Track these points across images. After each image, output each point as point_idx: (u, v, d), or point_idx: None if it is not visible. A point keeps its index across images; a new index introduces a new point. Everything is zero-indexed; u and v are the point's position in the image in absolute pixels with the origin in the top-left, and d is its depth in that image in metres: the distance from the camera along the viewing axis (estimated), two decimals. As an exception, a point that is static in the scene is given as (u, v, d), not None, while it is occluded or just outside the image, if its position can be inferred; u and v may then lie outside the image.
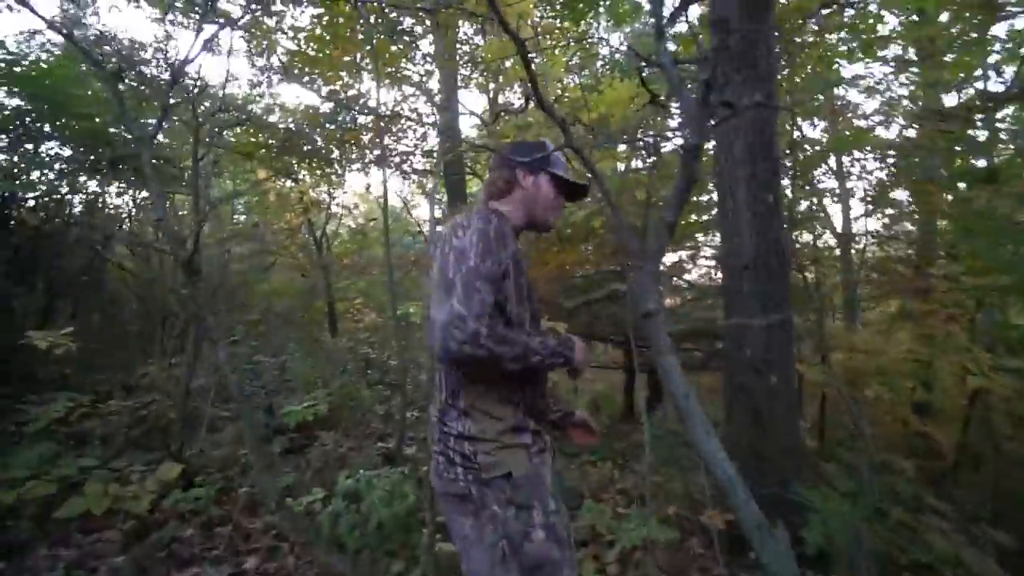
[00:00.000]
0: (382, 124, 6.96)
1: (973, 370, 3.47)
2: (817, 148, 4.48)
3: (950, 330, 4.25)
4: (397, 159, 8.01)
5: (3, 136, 4.34)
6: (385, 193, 3.62)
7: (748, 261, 2.48)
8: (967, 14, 3.34)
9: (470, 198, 7.30)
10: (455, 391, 1.16)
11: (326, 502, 2.48)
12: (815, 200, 4.73)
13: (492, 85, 8.63)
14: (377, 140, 6.96)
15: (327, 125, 5.78)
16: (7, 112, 4.29)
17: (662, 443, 3.44)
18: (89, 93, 4.40)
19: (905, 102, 4.36)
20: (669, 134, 3.85)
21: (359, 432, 4.28)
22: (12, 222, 4.33)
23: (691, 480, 2.88)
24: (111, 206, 6.35)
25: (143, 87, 4.12)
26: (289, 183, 7.78)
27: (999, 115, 3.49)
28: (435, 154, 7.66)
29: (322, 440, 3.20)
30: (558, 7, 5.72)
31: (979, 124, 3.39)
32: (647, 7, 4.54)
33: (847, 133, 4.59)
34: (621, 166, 5.02)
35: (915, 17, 4.07)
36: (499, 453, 1.11)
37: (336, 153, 6.10)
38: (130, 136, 3.65)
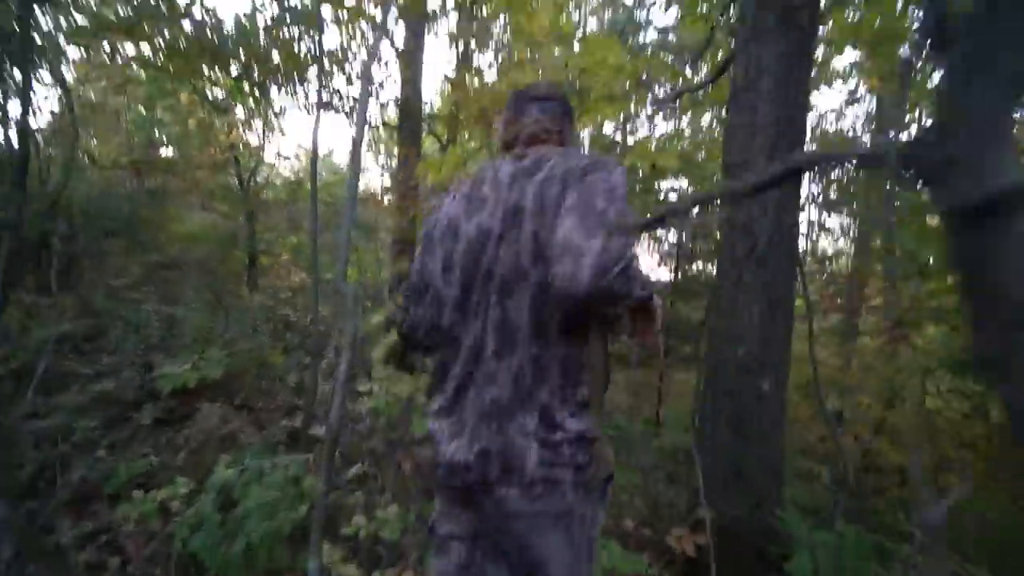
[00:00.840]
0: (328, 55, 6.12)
1: (929, 391, 3.35)
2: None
3: (898, 348, 4.20)
4: (342, 102, 7.16)
5: None
6: (315, 137, 2.93)
7: (758, 244, 2.09)
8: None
9: (424, 155, 6.59)
10: (576, 377, 0.90)
11: (192, 498, 1.86)
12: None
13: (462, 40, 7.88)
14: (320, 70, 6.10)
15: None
16: None
17: (618, 440, 3.07)
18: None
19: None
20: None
21: (263, 404, 3.60)
22: None
23: (652, 487, 2.51)
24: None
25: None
26: (212, 113, 6.70)
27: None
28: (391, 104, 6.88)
29: (204, 412, 2.53)
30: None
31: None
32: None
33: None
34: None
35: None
36: (603, 450, 0.94)
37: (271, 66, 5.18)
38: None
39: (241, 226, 6.96)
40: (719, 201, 1.02)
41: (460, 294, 0.96)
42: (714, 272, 2.57)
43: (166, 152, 8.43)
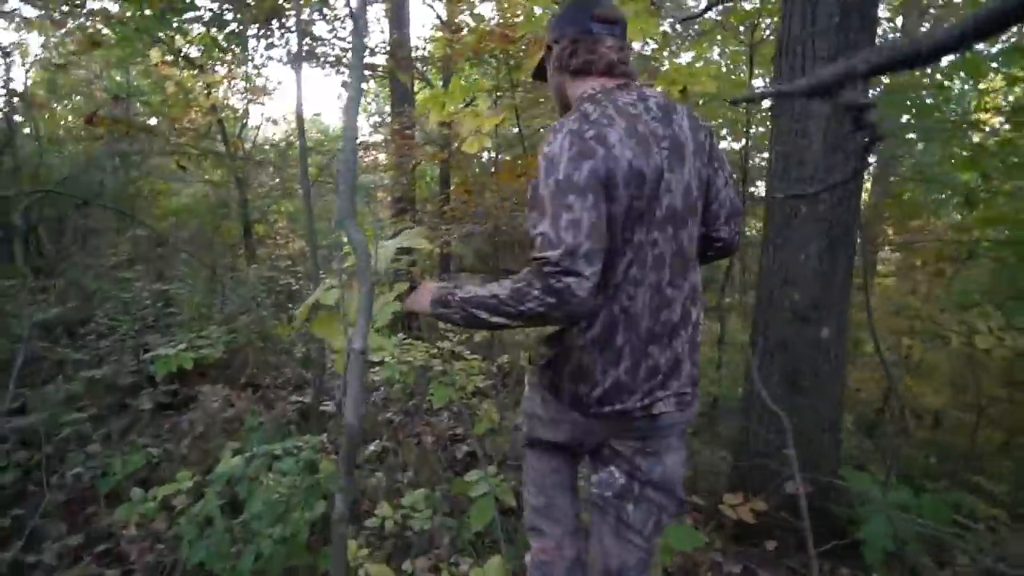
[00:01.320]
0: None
1: (980, 329, 3.12)
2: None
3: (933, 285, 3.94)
4: (326, 52, 6.64)
5: None
6: (300, 91, 2.58)
7: (815, 173, 1.80)
8: None
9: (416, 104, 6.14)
10: (697, 304, 1.05)
11: (198, 492, 1.68)
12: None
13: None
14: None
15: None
16: None
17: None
18: None
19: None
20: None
21: (270, 381, 3.42)
22: None
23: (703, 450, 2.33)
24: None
25: None
26: (190, 72, 6.23)
27: None
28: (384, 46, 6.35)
29: (206, 395, 2.34)
30: None
31: None
32: None
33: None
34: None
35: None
36: None
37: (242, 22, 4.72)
38: None
39: (232, 194, 6.63)
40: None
41: (644, 237, 0.94)
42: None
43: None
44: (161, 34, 6.00)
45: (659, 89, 1.10)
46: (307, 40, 6.47)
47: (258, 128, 7.85)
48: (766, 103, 2.67)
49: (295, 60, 2.13)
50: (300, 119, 2.19)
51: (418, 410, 3.22)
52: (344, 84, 6.33)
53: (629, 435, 1.02)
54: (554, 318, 0.87)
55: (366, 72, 7.49)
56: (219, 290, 3.84)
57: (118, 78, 8.14)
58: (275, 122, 9.50)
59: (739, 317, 4.94)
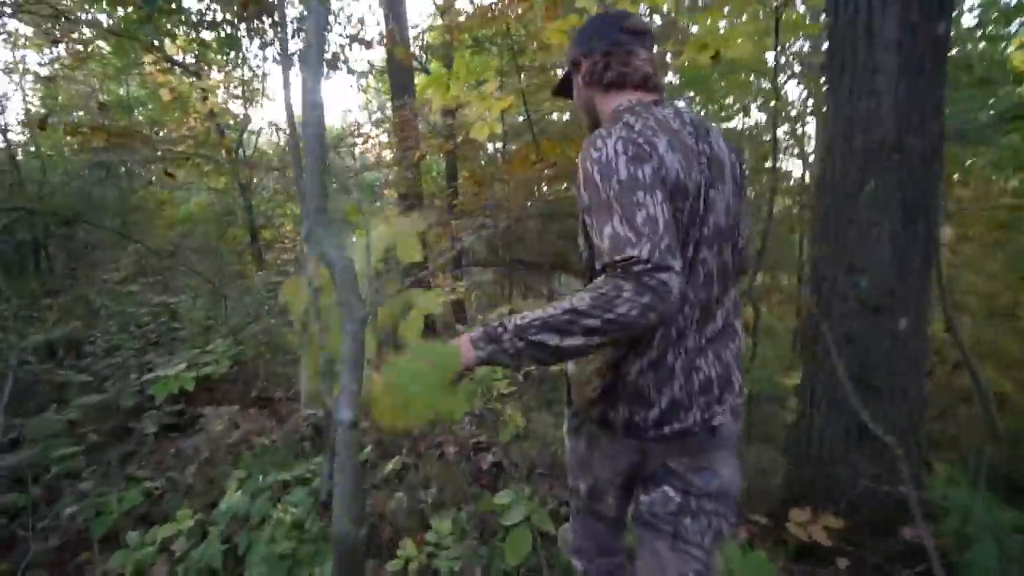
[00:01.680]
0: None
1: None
2: None
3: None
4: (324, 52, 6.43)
5: None
6: (287, 87, 2.38)
7: (884, 140, 1.54)
8: None
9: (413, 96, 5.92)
10: (740, 316, 1.05)
11: (200, 531, 1.51)
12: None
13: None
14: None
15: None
16: None
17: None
18: None
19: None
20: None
21: (282, 393, 3.26)
22: None
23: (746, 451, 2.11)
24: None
25: None
26: (188, 79, 6.07)
27: None
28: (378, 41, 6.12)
29: (209, 417, 2.17)
30: None
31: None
32: None
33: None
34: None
35: None
36: None
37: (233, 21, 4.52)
38: None
39: (237, 201, 6.49)
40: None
41: (694, 255, 0.92)
42: (805, 177, 2.02)
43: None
44: (155, 40, 5.86)
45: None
46: (301, 36, 6.27)
47: (256, 133, 7.68)
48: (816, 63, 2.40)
49: (282, 53, 1.92)
50: (290, 115, 1.98)
51: (438, 418, 3.04)
52: (304, 61, 6.11)
53: (685, 453, 0.98)
54: (647, 321, 0.77)
55: (364, 67, 7.28)
56: (223, 300, 3.68)
57: (120, 91, 8.05)
58: (277, 126, 9.39)
59: (774, 302, 4.67)
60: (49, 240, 5.31)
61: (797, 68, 3.75)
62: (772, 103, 2.73)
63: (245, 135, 6.89)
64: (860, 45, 1.55)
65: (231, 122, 6.79)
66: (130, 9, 3.74)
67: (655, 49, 1.08)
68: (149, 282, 4.67)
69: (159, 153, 5.98)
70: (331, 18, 6.15)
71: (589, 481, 1.08)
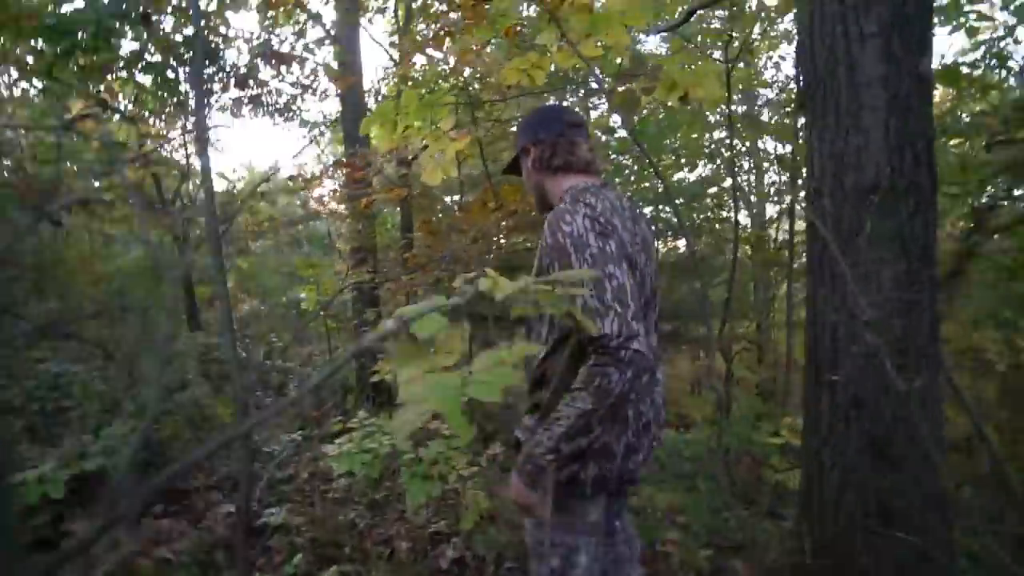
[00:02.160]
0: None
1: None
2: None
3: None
4: (275, 99, 6.23)
5: None
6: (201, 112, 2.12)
7: (878, 179, 1.41)
8: None
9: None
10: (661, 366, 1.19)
11: None
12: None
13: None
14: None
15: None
16: None
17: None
18: None
19: None
20: None
21: (202, 481, 2.75)
22: None
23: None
24: None
25: None
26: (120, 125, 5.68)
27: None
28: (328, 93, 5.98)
29: (82, 531, 1.70)
30: None
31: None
32: None
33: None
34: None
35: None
36: None
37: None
38: None
39: (172, 255, 5.96)
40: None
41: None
42: (783, 225, 1.88)
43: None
44: (89, 84, 5.49)
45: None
46: (251, 85, 6.06)
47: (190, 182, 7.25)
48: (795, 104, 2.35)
49: (193, 76, 1.65)
50: (203, 142, 1.68)
51: (388, 503, 2.61)
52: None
53: (621, 494, 1.15)
54: (639, 384, 0.91)
55: (317, 118, 7.10)
56: (130, 371, 3.17)
57: (49, 139, 7.50)
58: (224, 176, 8.98)
59: (736, 351, 4.56)
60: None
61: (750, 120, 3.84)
62: (728, 153, 2.67)
63: (181, 184, 6.45)
64: (842, 81, 1.44)
65: (174, 172, 6.36)
66: (42, 46, 3.40)
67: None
68: (58, 347, 4.06)
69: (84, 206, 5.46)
70: (282, 68, 5.99)
71: (560, 552, 1.09)
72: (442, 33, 2.58)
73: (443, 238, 4.98)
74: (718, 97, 1.86)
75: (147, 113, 6.07)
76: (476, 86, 5.15)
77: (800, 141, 2.96)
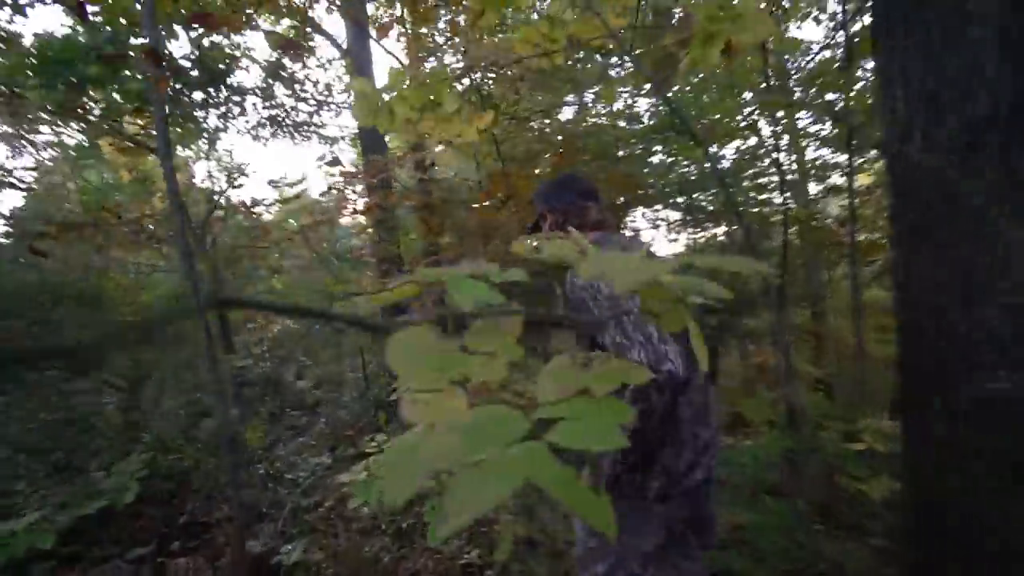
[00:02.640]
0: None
1: None
2: None
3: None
4: (290, 119, 6.22)
5: None
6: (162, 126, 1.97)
7: (995, 108, 1.08)
8: None
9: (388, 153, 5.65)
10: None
11: None
12: None
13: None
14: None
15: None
16: None
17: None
18: None
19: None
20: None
21: (219, 514, 2.60)
22: None
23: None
24: None
25: None
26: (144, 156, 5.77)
27: None
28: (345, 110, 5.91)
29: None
30: None
31: None
32: None
33: None
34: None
35: None
36: None
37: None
38: None
39: (201, 279, 6.00)
40: None
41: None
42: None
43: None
44: (114, 119, 5.62)
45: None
46: (269, 106, 6.08)
47: (223, 209, 7.35)
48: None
49: (154, 83, 1.49)
50: (169, 166, 1.51)
51: (416, 531, 2.39)
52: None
53: (689, 505, 1.20)
54: (664, 402, 0.98)
55: (335, 132, 7.07)
56: (155, 399, 3.09)
57: (92, 177, 7.79)
58: (253, 203, 9.12)
59: (799, 341, 4.13)
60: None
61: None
62: (779, 114, 2.32)
63: (211, 211, 6.52)
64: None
65: (203, 200, 6.45)
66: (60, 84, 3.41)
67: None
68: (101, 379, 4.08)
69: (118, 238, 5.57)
70: (295, 87, 5.98)
71: (609, 560, 1.15)
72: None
73: (467, 240, 4.79)
74: (771, 33, 1.55)
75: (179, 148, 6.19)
76: (490, 81, 4.95)
77: (850, 97, 2.57)
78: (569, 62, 4.42)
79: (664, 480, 1.11)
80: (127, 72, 3.89)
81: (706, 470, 1.16)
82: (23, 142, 6.50)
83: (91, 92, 3.49)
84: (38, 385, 2.81)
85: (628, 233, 1.45)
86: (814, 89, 2.88)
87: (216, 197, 6.79)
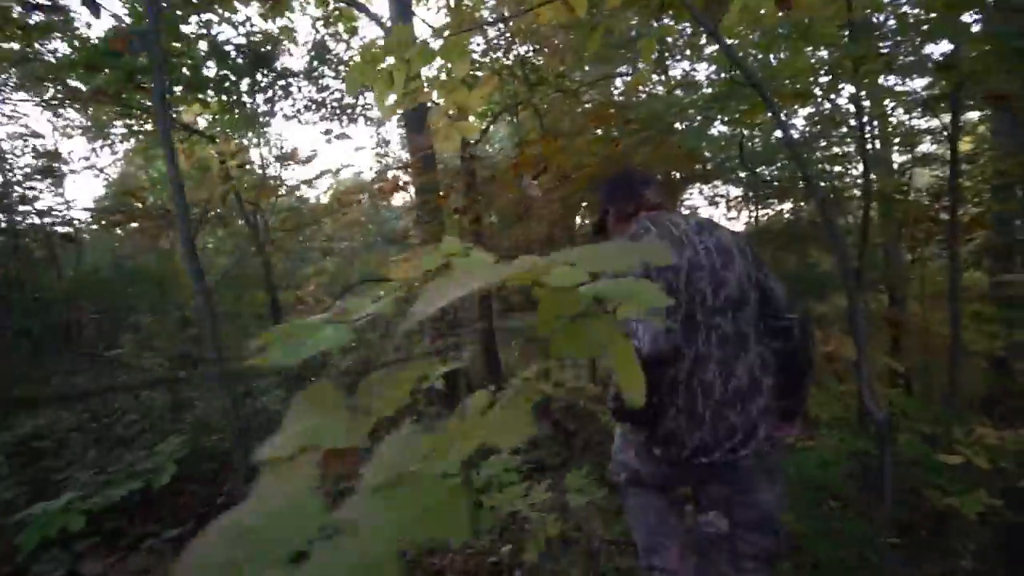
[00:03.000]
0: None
1: None
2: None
3: None
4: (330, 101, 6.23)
5: None
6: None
7: None
8: None
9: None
10: (768, 373, 1.27)
11: None
12: None
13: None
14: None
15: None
16: None
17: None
18: None
19: None
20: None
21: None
22: None
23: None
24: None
25: None
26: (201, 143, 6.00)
27: None
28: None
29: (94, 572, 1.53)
30: None
31: None
32: None
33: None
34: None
35: None
36: None
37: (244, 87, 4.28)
38: None
39: (253, 260, 6.23)
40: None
41: (686, 318, 1.17)
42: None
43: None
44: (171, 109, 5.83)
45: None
46: (316, 89, 6.12)
47: (277, 193, 7.54)
48: None
49: (156, 77, 1.40)
50: (168, 143, 1.43)
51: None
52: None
53: (718, 480, 1.23)
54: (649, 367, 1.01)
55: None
56: (201, 380, 3.17)
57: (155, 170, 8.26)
58: (308, 184, 9.35)
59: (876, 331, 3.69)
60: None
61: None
62: (860, 69, 1.96)
63: (259, 195, 6.71)
64: None
65: (248, 182, 6.64)
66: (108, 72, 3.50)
67: None
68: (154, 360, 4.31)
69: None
70: (340, 68, 5.96)
71: (634, 473, 1.33)
72: None
73: (524, 225, 4.64)
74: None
75: (229, 131, 6.38)
76: (532, 58, 4.70)
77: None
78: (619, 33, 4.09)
79: (672, 449, 1.19)
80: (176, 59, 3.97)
81: (727, 454, 1.17)
82: (99, 134, 6.96)
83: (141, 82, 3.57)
84: (92, 363, 2.96)
85: (685, 211, 1.53)
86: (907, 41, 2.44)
87: (272, 180, 6.99)
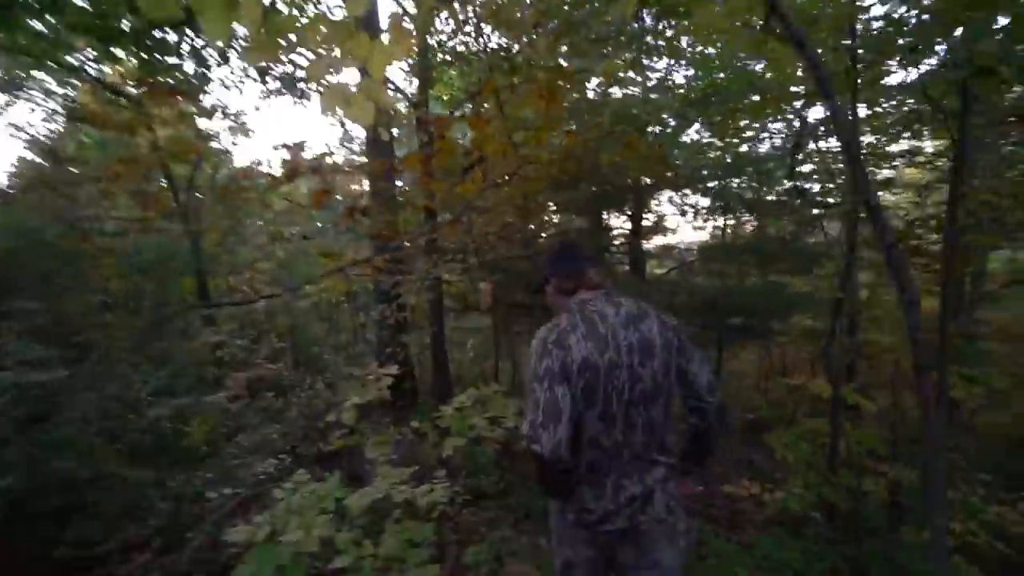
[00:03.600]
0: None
1: None
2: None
3: None
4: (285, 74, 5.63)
5: None
6: None
7: None
8: None
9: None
10: (667, 454, 1.38)
11: None
12: None
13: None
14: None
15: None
16: None
17: None
18: None
19: None
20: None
21: (130, 534, 2.16)
22: None
23: None
24: None
25: None
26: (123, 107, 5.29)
27: None
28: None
29: None
30: None
31: None
32: None
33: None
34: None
35: None
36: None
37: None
38: None
39: (181, 242, 5.58)
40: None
41: (603, 408, 1.29)
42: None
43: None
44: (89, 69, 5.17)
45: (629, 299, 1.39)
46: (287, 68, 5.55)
47: (215, 166, 6.82)
48: None
49: None
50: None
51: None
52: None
53: (628, 545, 1.34)
54: (538, 465, 1.25)
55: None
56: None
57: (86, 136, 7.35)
58: (258, 162, 8.63)
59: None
60: None
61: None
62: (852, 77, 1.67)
63: (196, 169, 6.03)
64: None
65: (181, 152, 5.94)
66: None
67: None
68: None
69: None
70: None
71: (566, 554, 1.41)
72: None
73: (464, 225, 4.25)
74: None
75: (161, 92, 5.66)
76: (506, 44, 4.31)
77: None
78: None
79: (582, 514, 1.32)
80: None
81: (628, 520, 1.30)
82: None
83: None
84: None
85: (620, 299, 1.45)
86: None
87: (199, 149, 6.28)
